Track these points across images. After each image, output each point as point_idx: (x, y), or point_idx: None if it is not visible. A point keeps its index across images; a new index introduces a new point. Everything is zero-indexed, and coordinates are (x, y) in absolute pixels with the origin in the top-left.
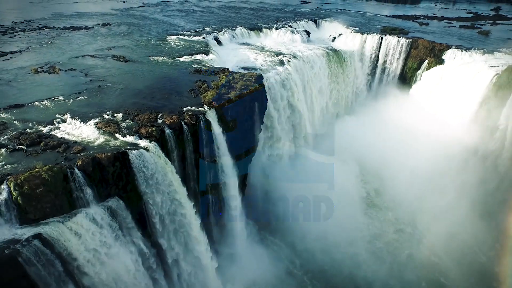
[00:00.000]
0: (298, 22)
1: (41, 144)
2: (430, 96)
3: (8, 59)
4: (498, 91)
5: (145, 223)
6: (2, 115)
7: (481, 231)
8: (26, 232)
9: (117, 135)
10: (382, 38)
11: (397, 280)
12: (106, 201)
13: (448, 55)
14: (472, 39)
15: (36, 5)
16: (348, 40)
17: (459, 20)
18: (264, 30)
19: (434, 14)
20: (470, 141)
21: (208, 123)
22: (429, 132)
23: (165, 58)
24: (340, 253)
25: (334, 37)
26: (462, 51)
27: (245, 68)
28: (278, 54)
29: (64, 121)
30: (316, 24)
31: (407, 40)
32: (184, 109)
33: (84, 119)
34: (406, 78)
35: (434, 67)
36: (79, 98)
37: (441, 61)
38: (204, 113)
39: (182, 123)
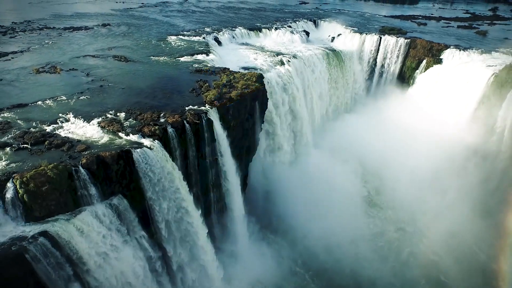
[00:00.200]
0: (297, 22)
1: (46, 143)
2: (429, 95)
3: (10, 59)
4: (496, 90)
5: (149, 221)
6: (5, 115)
7: (481, 230)
8: (32, 229)
9: (120, 134)
10: (380, 38)
11: (398, 278)
12: (110, 199)
13: (446, 54)
14: (470, 39)
15: (35, 5)
16: (347, 40)
17: (457, 20)
18: (263, 30)
19: (432, 14)
20: (469, 140)
21: (209, 122)
22: (428, 131)
23: (166, 58)
24: (341, 251)
25: (333, 37)
26: (460, 50)
27: (245, 68)
28: (278, 54)
29: (67, 120)
30: (315, 24)
31: (406, 40)
32: (186, 108)
33: (87, 118)
34: (404, 78)
35: (433, 67)
36: (81, 98)
37: (440, 61)
38: (206, 112)
39: (185, 122)
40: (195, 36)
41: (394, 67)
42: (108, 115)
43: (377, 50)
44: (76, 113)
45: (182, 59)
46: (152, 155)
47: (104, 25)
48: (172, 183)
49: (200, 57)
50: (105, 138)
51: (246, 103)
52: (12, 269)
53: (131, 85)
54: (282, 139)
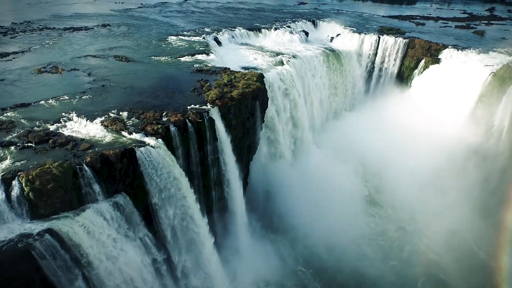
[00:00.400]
0: (296, 22)
1: (50, 142)
2: (427, 95)
3: (11, 60)
4: (494, 89)
5: (152, 220)
6: (9, 114)
7: (481, 228)
8: (37, 226)
9: (123, 132)
10: (379, 38)
11: (399, 276)
12: (114, 197)
13: (445, 54)
14: (467, 39)
15: (35, 6)
16: (346, 40)
17: (454, 20)
18: (263, 30)
19: (430, 14)
20: (467, 140)
21: (211, 121)
22: (427, 130)
23: (167, 58)
24: (342, 250)
25: (332, 37)
26: (458, 50)
27: (245, 68)
28: (277, 54)
29: (70, 119)
30: (314, 24)
31: (404, 40)
32: (188, 107)
33: (90, 118)
34: (403, 78)
35: (431, 67)
36: (83, 97)
37: (438, 61)
38: (207, 111)
39: (187, 121)
40: (195, 36)
41: (392, 66)
42: (111, 114)
43: (376, 50)
44: (79, 112)
45: (182, 59)
46: (156, 153)
47: (104, 25)
48: (178, 190)
49: (200, 57)
50: (108, 137)
51: (247, 102)
52: (19, 265)
53: (133, 84)
54: (281, 137)
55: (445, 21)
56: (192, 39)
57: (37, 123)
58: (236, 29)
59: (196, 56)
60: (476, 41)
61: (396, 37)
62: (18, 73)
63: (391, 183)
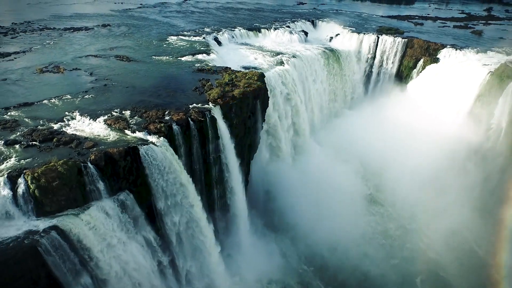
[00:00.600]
0: (295, 22)
1: (54, 140)
2: (426, 94)
3: (13, 59)
4: (492, 88)
5: (154, 217)
6: (13, 113)
7: (480, 227)
8: (42, 224)
9: (126, 131)
10: (378, 37)
11: (399, 274)
12: (117, 195)
13: (443, 54)
14: (465, 38)
15: (34, 6)
16: (345, 40)
17: (452, 20)
18: (262, 30)
19: (428, 14)
20: (466, 138)
21: (213, 120)
22: (426, 129)
23: (168, 58)
24: (343, 249)
25: (331, 37)
26: (456, 50)
27: (246, 67)
28: (277, 54)
29: (73, 118)
30: (313, 24)
31: (403, 40)
32: (190, 106)
33: (93, 116)
34: (402, 77)
35: (430, 66)
36: (86, 97)
37: (436, 60)
38: (209, 110)
39: (189, 119)
40: (195, 36)
41: (391, 66)
42: (114, 113)
43: (375, 50)
44: (82, 111)
45: (183, 58)
46: (159, 151)
47: (104, 25)
48: (186, 198)
49: (201, 56)
50: (112, 135)
51: (248, 101)
52: (25, 262)
53: (135, 84)
54: (283, 143)
55: (443, 21)
56: (192, 39)
57: (41, 122)
58: (236, 29)
59: (197, 55)
60: (474, 40)
61: (395, 36)
62: (20, 72)
63: (391, 182)
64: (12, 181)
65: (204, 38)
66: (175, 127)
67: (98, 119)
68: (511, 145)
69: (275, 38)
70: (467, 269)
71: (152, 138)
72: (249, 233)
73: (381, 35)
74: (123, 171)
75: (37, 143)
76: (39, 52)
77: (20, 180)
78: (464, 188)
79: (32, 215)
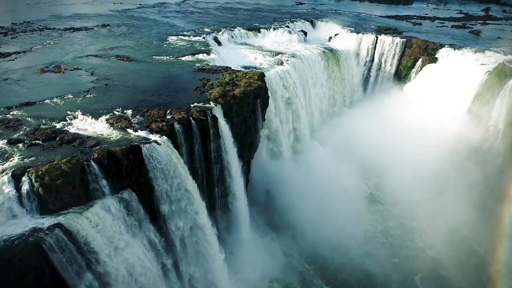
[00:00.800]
0: (294, 22)
1: (57, 139)
2: (425, 93)
3: (13, 59)
4: (490, 87)
5: (156, 215)
6: (15, 112)
7: (480, 226)
8: (46, 221)
9: (128, 130)
10: (377, 37)
11: (400, 272)
12: (120, 193)
13: (441, 53)
14: (464, 38)
15: (33, 6)
16: (344, 39)
17: (450, 20)
18: (262, 30)
19: (426, 14)
20: (465, 138)
21: (214, 119)
22: (425, 129)
23: (168, 58)
24: (344, 247)
25: (330, 37)
26: (454, 49)
27: (245, 67)
28: (277, 53)
29: (75, 117)
30: (312, 24)
31: (402, 40)
32: (192, 105)
33: (95, 116)
34: (401, 76)
35: (428, 66)
36: (87, 96)
37: (435, 60)
38: (210, 109)
39: (191, 118)
40: (195, 36)
41: (390, 66)
42: (116, 112)
43: (374, 50)
44: (84, 111)
45: (183, 58)
46: (161, 150)
47: (104, 25)
48: (191, 205)
49: (201, 56)
50: (114, 134)
51: (249, 100)
52: (31, 259)
53: (136, 83)
54: (284, 148)
55: (441, 21)
56: (192, 39)
57: (43, 121)
58: (236, 29)
59: (197, 55)
60: (472, 40)
61: (393, 36)
62: (21, 72)
63: (391, 181)
64: (16, 179)
65: (204, 38)
66: (176, 126)
67: (100, 118)
68: (510, 144)
69: (275, 38)
70: (467, 267)
71: (154, 137)
72: (250, 232)
73: (380, 35)
74: (126, 169)
75: (40, 142)
76: (39, 52)
77: (24, 179)
78: (464, 187)
79: (36, 213)
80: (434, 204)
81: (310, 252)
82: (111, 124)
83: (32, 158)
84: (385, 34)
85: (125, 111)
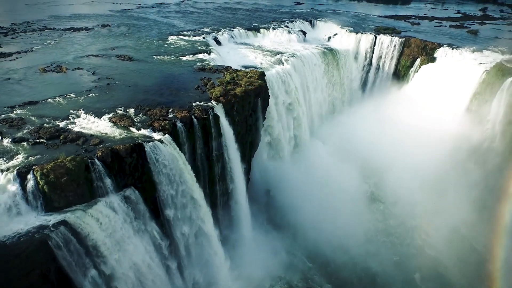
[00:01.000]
0: (293, 22)
1: (60, 137)
2: (424, 92)
3: (15, 59)
4: (488, 86)
5: (159, 213)
6: (18, 111)
7: (479, 224)
8: (51, 219)
9: (131, 128)
10: (376, 37)
11: (400, 270)
12: (123, 191)
13: (440, 53)
14: (461, 38)
15: (33, 7)
16: (343, 39)
17: (448, 20)
18: (261, 30)
19: (424, 14)
20: (463, 137)
21: (216, 117)
22: (424, 128)
23: (169, 57)
24: (344, 246)
25: (330, 37)
26: (452, 49)
27: (246, 66)
28: (277, 53)
29: (78, 116)
30: (311, 24)
31: (400, 39)
32: (193, 104)
33: (98, 114)
34: (399, 76)
35: (426, 65)
36: (90, 95)
37: (433, 59)
38: (212, 108)
39: (193, 117)
40: (195, 36)
41: (389, 65)
42: (118, 111)
43: (373, 49)
44: (87, 110)
45: (184, 58)
46: (164, 148)
47: (104, 25)
48: (198, 218)
49: (201, 56)
50: (117, 132)
51: (250, 99)
52: (37, 255)
53: (137, 83)
54: (285, 152)
55: (439, 21)
56: (192, 39)
57: (47, 120)
58: (235, 29)
59: (197, 55)
60: (470, 40)
61: (392, 36)
62: (23, 72)
63: (391, 180)
64: (21, 177)
65: (203, 38)
66: (179, 124)
67: (103, 117)
68: (508, 143)
69: (274, 38)
70: (466, 265)
71: (157, 136)
72: (251, 229)
73: (379, 34)
74: (129, 167)
75: (44, 141)
76: (40, 52)
77: (30, 176)
78: (463, 186)
79: (41, 211)
80: (434, 203)
81: (311, 250)
82: (114, 123)
83: (37, 156)
84: (383, 34)
85: (127, 110)
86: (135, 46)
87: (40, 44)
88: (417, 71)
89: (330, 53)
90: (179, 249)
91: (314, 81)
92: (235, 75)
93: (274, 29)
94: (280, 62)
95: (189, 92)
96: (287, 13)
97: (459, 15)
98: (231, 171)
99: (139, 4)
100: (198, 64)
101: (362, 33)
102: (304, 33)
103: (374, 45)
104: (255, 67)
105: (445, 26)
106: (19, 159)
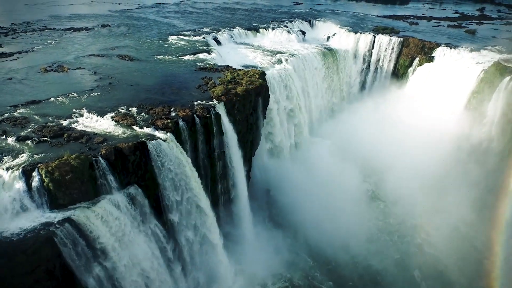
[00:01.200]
0: (293, 22)
1: (64, 136)
2: (422, 92)
3: (16, 59)
4: (485, 85)
5: (161, 210)
6: (22, 110)
7: (479, 222)
8: (56, 216)
9: (134, 127)
10: (374, 37)
11: (400, 268)
12: (127, 189)
13: (438, 52)
14: (460, 37)
15: (32, 7)
16: (342, 39)
17: (446, 20)
18: (261, 30)
19: (423, 14)
20: (461, 136)
21: (218, 116)
22: (423, 127)
23: (169, 57)
24: (345, 245)
25: (329, 37)
26: (451, 48)
27: (246, 66)
28: (276, 53)
29: (81, 115)
30: (310, 24)
31: (399, 39)
32: (195, 103)
33: (101, 113)
34: (398, 75)
35: (425, 64)
36: (92, 95)
37: (432, 59)
38: (214, 107)
39: (195, 115)
40: (195, 36)
41: (388, 65)
42: (121, 110)
43: (372, 49)
44: (90, 109)
45: (185, 57)
46: (166, 146)
47: (104, 25)
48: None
49: (202, 55)
50: (120, 131)
51: (251, 98)
52: (42, 252)
53: (139, 82)
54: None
55: (437, 21)
56: (192, 39)
57: (50, 119)
58: (235, 29)
59: (198, 55)
60: (468, 39)
61: (390, 36)
62: (24, 72)
63: (391, 179)
64: (26, 175)
65: (203, 37)
66: (181, 123)
67: (105, 116)
68: (506, 141)
69: (274, 38)
70: (466, 263)
71: (159, 134)
72: (251, 227)
73: (377, 34)
74: (132, 165)
75: (48, 139)
76: (41, 52)
77: (35, 174)
78: (463, 184)
79: (46, 208)
80: (434, 202)
81: (312, 249)
82: (117, 122)
83: (41, 154)
84: (382, 33)
85: (130, 109)
86: (135, 46)
87: (41, 44)
88: (416, 70)
89: (329, 53)
90: (183, 252)
91: (315, 86)
92: (235, 74)
93: (273, 29)
94: (279, 61)
95: (190, 91)
96: (286, 13)
97: (457, 15)
98: (232, 169)
99: (139, 4)
100: (199, 64)
101: (361, 33)
102: (304, 33)
103: (373, 45)
104: (255, 67)
105: (443, 26)
106: (24, 157)
